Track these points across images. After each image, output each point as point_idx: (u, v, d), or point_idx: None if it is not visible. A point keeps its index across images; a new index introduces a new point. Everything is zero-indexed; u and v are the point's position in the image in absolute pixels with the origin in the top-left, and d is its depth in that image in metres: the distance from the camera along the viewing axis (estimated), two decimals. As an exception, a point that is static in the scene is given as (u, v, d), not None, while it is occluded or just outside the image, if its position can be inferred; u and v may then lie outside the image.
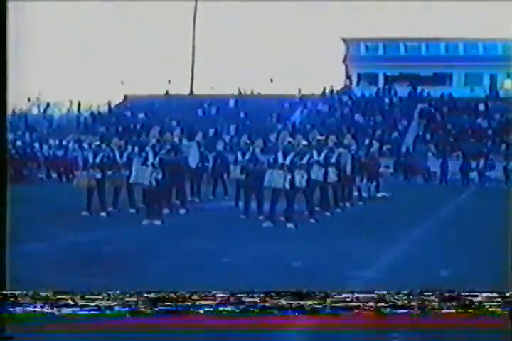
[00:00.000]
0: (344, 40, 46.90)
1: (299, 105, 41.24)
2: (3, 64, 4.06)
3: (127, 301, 5.00)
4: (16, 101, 44.21)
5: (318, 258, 8.72)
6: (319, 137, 14.67)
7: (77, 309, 4.87)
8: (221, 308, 4.92)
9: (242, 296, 4.74)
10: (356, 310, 4.50)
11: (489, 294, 4.59)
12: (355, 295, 4.67)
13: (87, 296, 4.92)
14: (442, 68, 43.92)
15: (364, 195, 17.96)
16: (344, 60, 47.18)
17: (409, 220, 13.32)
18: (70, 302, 4.84)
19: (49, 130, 41.16)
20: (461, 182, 29.52)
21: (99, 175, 13.74)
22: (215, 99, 42.37)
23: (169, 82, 46.04)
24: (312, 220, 12.73)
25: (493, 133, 34.84)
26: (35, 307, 4.66)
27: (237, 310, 4.84)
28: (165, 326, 4.82)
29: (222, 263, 8.31)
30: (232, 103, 42.41)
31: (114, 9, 65.58)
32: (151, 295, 5.05)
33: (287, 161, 12.04)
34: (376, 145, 20.11)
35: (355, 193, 17.27)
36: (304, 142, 12.81)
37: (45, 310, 4.74)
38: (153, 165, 12.20)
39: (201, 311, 4.94)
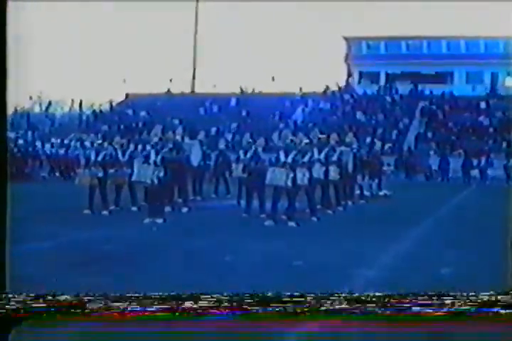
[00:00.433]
0: (346, 38, 46.91)
1: (300, 103, 41.24)
2: (3, 63, 4.08)
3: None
4: (18, 99, 44.30)
5: (320, 257, 8.74)
6: (321, 135, 14.69)
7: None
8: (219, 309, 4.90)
9: (242, 297, 4.75)
10: (356, 310, 4.50)
11: (490, 294, 4.59)
12: (356, 295, 4.68)
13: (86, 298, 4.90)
14: (444, 66, 43.89)
15: (366, 193, 17.97)
16: (346, 59, 47.16)
17: (410, 218, 13.32)
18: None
19: (51, 128, 41.18)
20: (462, 180, 29.54)
21: (101, 174, 13.76)
22: (217, 98, 42.39)
23: (171, 80, 46.12)
24: (314, 218, 12.75)
25: (495, 131, 34.84)
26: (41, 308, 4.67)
27: (237, 312, 4.83)
28: (165, 326, 4.82)
29: (224, 261, 8.33)
30: (233, 101, 42.41)
31: (115, 8, 65.48)
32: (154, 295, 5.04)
33: (289, 159, 12.05)
34: (378, 143, 20.12)
35: (357, 191, 17.29)
36: (306, 140, 12.84)
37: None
38: (155, 163, 12.22)
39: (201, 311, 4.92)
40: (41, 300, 4.55)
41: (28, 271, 6.92)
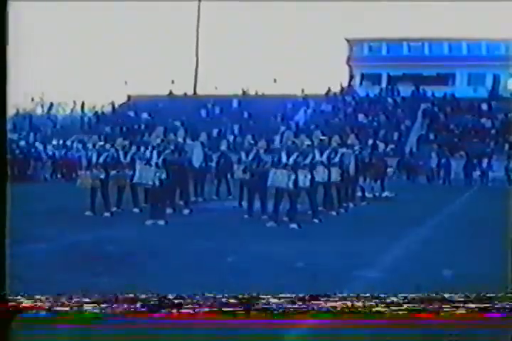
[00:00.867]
0: (348, 40, 46.94)
1: (302, 105, 41.27)
2: (3, 64, 4.08)
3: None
4: (20, 101, 44.36)
5: (322, 259, 8.73)
6: (322, 137, 14.68)
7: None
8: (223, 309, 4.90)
9: (242, 298, 4.75)
10: (356, 311, 4.50)
11: (491, 295, 4.60)
12: (355, 295, 4.68)
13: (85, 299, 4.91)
14: (445, 68, 43.89)
15: (368, 195, 17.96)
16: (348, 60, 47.18)
17: (412, 220, 13.31)
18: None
19: (53, 130, 41.22)
20: (464, 182, 29.51)
21: (102, 175, 13.76)
22: (219, 99, 42.41)
23: (173, 82, 46.15)
24: (315, 220, 12.74)
25: (496, 133, 34.82)
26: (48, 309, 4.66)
27: (238, 312, 4.83)
28: (165, 327, 4.82)
29: (226, 263, 8.32)
30: (235, 103, 42.42)
31: (117, 9, 65.63)
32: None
33: (291, 161, 12.05)
34: (379, 145, 20.11)
35: (359, 193, 17.29)
36: (308, 142, 12.82)
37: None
38: (156, 165, 12.22)
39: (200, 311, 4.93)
40: (41, 301, 4.55)
41: (29, 272, 6.92)
